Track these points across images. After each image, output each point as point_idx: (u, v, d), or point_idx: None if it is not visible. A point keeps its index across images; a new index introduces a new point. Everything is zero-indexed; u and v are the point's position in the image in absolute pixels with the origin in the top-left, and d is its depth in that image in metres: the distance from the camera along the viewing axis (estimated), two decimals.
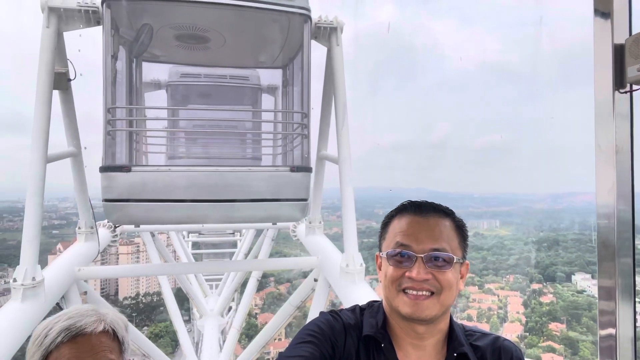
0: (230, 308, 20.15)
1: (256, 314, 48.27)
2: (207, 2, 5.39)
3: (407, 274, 1.26)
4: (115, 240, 10.26)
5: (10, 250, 51.46)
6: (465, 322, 1.52)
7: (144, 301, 53.32)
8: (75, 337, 1.14)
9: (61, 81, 6.39)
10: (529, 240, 59.08)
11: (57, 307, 7.62)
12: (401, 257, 1.27)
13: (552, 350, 42.26)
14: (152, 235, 14.09)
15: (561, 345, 42.62)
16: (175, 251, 18.09)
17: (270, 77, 8.80)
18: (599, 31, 2.04)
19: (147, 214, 5.39)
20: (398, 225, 1.33)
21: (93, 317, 1.19)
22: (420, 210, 1.31)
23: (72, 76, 6.44)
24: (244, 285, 15.27)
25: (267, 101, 9.23)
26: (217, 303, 17.01)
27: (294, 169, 5.55)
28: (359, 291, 5.87)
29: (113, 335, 1.22)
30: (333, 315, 1.39)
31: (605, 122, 1.97)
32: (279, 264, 11.45)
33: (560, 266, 51.07)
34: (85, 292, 8.16)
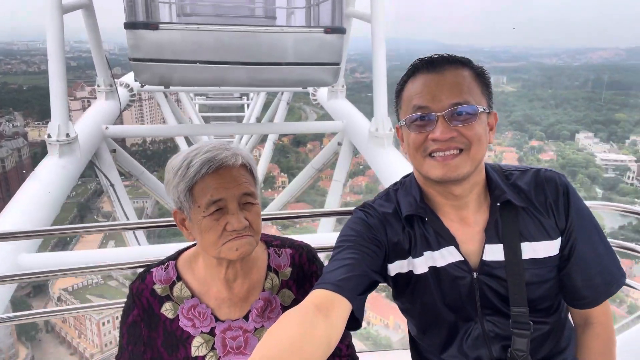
0: None
1: None
2: None
3: (430, 136, 1.18)
4: (134, 100, 10.13)
5: (13, 94, 50.44)
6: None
7: (151, 148, 51.97)
8: (218, 169, 1.17)
9: None
10: (534, 97, 57.68)
11: (91, 164, 7.83)
12: (421, 121, 1.19)
13: None
14: (166, 96, 13.87)
15: None
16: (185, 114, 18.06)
17: None
18: None
19: (177, 75, 5.20)
20: (412, 88, 1.21)
21: (230, 152, 1.20)
22: (433, 66, 1.19)
23: None
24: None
25: None
26: None
27: (329, 30, 5.18)
28: (388, 155, 5.95)
29: (250, 170, 1.24)
30: (366, 211, 1.35)
31: None
32: (299, 128, 11.30)
33: (566, 124, 50.88)
34: (114, 150, 8.30)
